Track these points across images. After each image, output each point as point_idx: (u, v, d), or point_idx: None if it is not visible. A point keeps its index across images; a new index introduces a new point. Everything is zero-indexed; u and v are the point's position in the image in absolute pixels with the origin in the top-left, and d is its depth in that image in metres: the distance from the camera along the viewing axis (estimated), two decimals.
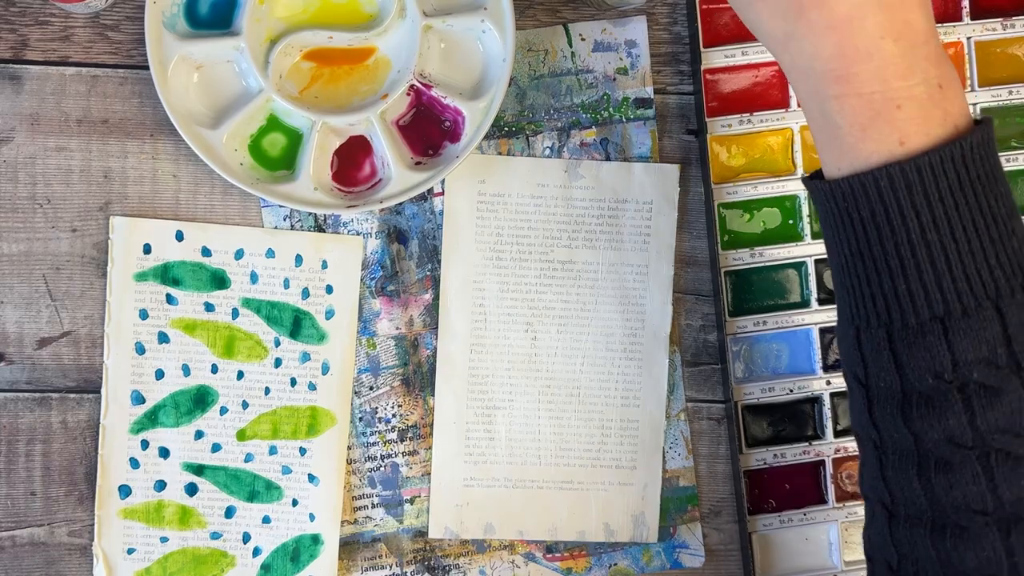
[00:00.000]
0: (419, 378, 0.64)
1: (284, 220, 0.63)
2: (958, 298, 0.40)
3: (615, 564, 0.65)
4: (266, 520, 0.63)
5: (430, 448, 0.64)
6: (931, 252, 0.40)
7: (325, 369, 0.63)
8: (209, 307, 0.62)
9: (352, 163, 0.62)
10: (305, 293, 0.63)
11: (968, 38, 0.65)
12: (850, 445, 0.64)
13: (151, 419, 0.62)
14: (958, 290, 0.40)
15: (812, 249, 0.64)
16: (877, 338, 0.42)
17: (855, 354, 0.44)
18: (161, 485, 0.62)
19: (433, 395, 0.64)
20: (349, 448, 0.63)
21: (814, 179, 0.44)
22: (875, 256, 0.42)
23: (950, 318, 0.40)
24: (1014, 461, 0.41)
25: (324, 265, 0.63)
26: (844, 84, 0.41)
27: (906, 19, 0.40)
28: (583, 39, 0.64)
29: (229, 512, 0.62)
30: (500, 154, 0.64)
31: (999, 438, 0.41)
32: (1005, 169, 0.65)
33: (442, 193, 0.64)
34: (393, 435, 0.64)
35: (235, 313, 0.62)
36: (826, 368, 0.65)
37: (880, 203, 0.41)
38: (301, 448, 0.63)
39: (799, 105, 0.44)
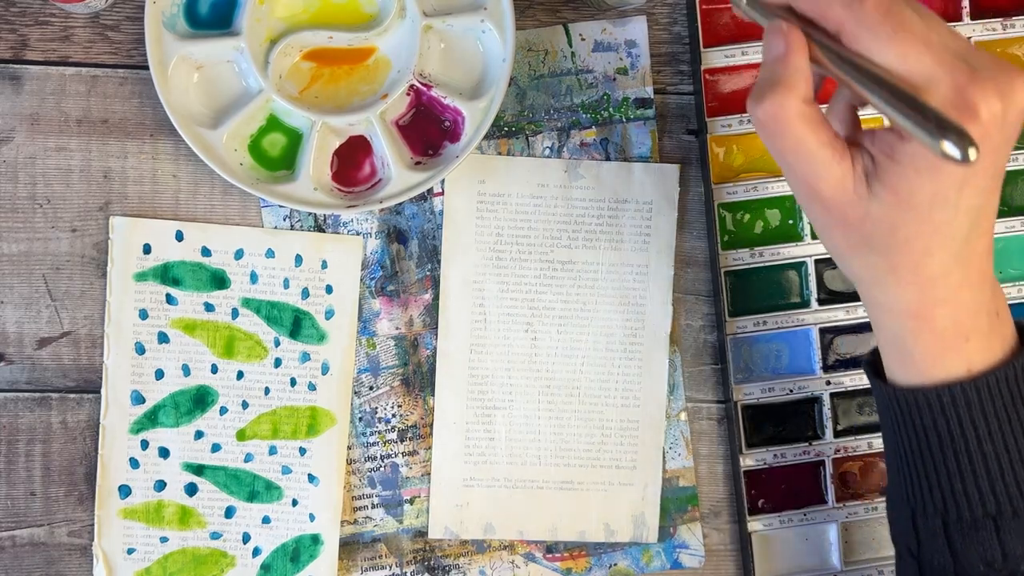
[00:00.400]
0: (419, 378, 0.64)
1: (284, 220, 0.63)
2: (1009, 501, 0.45)
3: (615, 564, 0.65)
4: (266, 520, 0.63)
5: (430, 448, 0.64)
6: (986, 461, 0.45)
7: (325, 369, 0.63)
8: (209, 307, 0.62)
9: (352, 163, 0.62)
10: (305, 293, 0.63)
11: (968, 38, 0.65)
12: (850, 445, 0.64)
13: (151, 419, 0.62)
14: (1009, 494, 0.45)
15: (812, 249, 0.64)
16: (933, 524, 0.47)
17: (910, 531, 0.48)
18: (161, 485, 0.62)
19: (433, 395, 0.64)
20: (349, 448, 0.63)
21: (875, 371, 0.49)
22: (935, 457, 0.46)
23: (1001, 517, 0.45)
24: None
25: (324, 265, 0.63)
26: (920, 321, 0.45)
27: (980, 269, 0.45)
28: (583, 39, 0.64)
29: (229, 512, 0.62)
30: (500, 154, 0.64)
31: None
32: (1006, 170, 0.65)
33: (442, 193, 0.64)
34: (393, 435, 0.64)
35: (235, 313, 0.62)
36: (826, 368, 0.65)
37: (942, 416, 0.46)
38: (301, 448, 0.63)
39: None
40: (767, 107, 0.43)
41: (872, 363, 0.50)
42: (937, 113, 0.41)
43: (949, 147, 0.40)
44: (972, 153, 0.40)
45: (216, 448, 0.62)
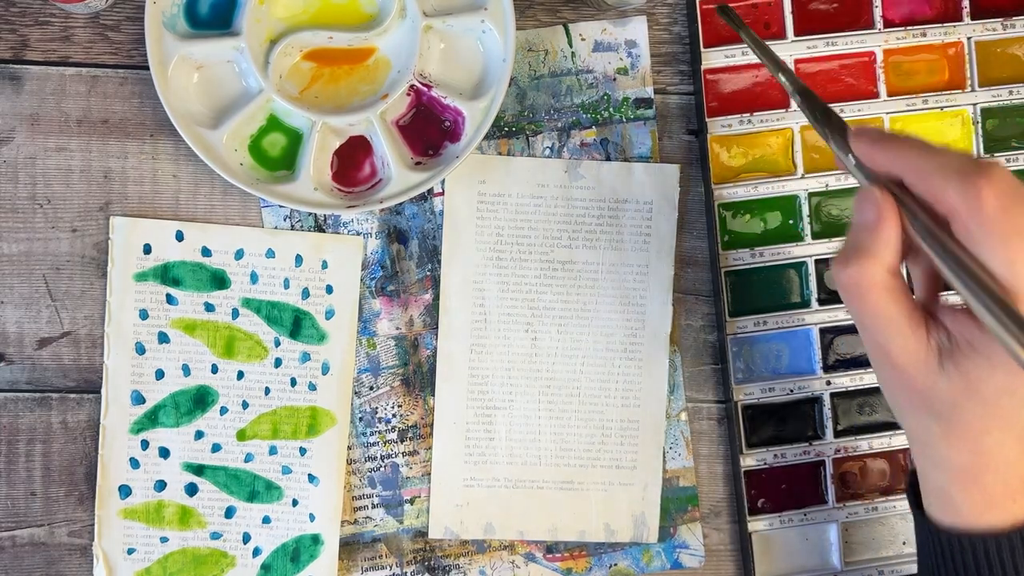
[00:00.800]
0: (419, 378, 0.64)
1: (284, 220, 0.63)
2: None
3: (615, 564, 0.65)
4: (266, 520, 0.63)
5: (430, 448, 0.64)
6: None
7: (325, 369, 0.63)
8: (209, 307, 0.62)
9: (352, 163, 0.62)
10: (305, 293, 0.63)
11: (968, 38, 0.65)
12: (850, 445, 0.64)
13: (151, 419, 0.62)
14: None
15: (812, 249, 0.64)
16: None
17: None
18: (161, 485, 0.62)
19: (433, 395, 0.64)
20: (349, 448, 0.63)
21: (918, 508, 0.49)
22: None
23: None
24: None
25: (324, 265, 0.63)
26: (970, 482, 0.45)
27: None
28: (583, 39, 0.64)
29: (229, 512, 0.62)
30: (500, 154, 0.64)
31: None
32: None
33: (442, 193, 0.64)
34: (393, 435, 0.64)
35: (235, 313, 0.62)
36: (826, 368, 0.65)
37: (985, 561, 0.46)
38: (301, 448, 0.63)
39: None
40: (851, 273, 0.43)
41: (913, 487, 0.50)
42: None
43: None
44: None
45: (216, 448, 0.62)
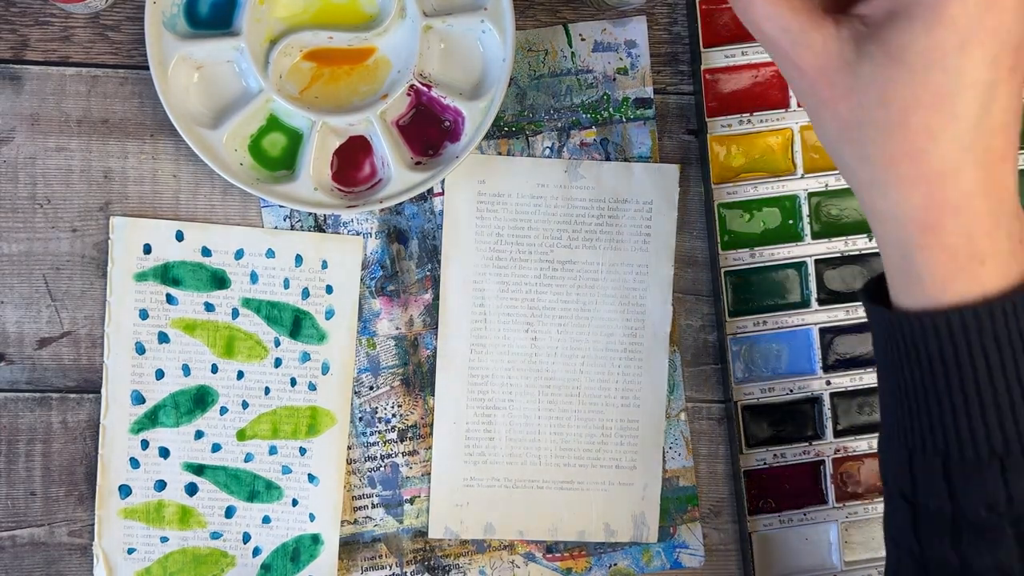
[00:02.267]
0: (419, 378, 0.64)
1: (284, 220, 0.63)
2: (1018, 439, 0.41)
3: (615, 564, 0.65)
4: (266, 520, 0.63)
5: (430, 448, 0.64)
6: (996, 394, 0.41)
7: (325, 369, 0.63)
8: (209, 307, 0.62)
9: (352, 163, 0.62)
10: (305, 293, 0.63)
11: None
12: (850, 445, 0.64)
13: (151, 419, 0.62)
14: (1019, 431, 0.41)
15: (812, 249, 0.64)
16: (932, 464, 0.43)
17: (905, 474, 0.44)
18: (161, 485, 0.62)
19: (433, 395, 0.64)
20: (349, 448, 0.63)
21: (873, 299, 0.44)
22: (939, 390, 0.42)
23: (1009, 457, 0.41)
24: None
25: (324, 265, 0.63)
26: (929, 235, 0.40)
27: (997, 177, 0.40)
28: (583, 39, 0.64)
29: (229, 512, 0.62)
30: (500, 154, 0.64)
31: None
32: None
33: (442, 193, 0.64)
34: (393, 435, 0.64)
35: (235, 313, 0.62)
36: (826, 368, 0.65)
37: (950, 343, 0.41)
38: (301, 448, 0.63)
39: (872, 234, 0.44)
40: None
41: (869, 291, 0.45)
42: None
43: None
44: None
45: (216, 448, 0.62)
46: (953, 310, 0.40)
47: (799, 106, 0.64)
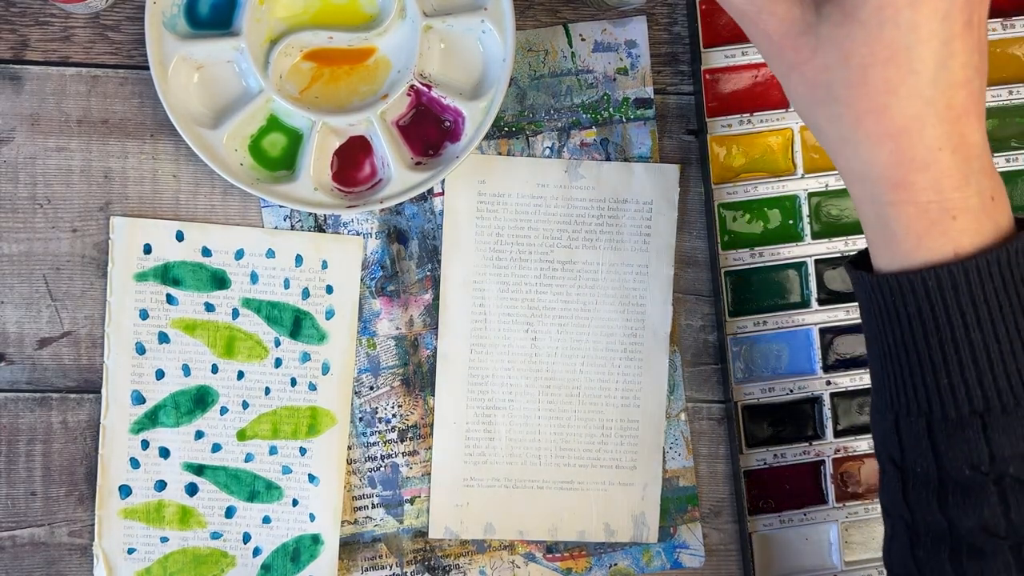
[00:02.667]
0: (419, 378, 0.64)
1: (284, 220, 0.63)
2: (998, 396, 0.41)
3: (615, 564, 0.65)
4: (266, 520, 0.63)
5: (430, 448, 0.64)
6: (974, 351, 0.41)
7: (325, 369, 0.63)
8: (209, 307, 0.62)
9: (352, 163, 0.62)
10: (305, 293, 0.63)
11: None
12: (850, 445, 0.64)
13: (151, 419, 0.62)
14: (998, 388, 0.41)
15: (812, 249, 0.64)
16: (916, 426, 0.43)
17: (893, 438, 0.44)
18: (161, 485, 0.62)
19: (433, 395, 0.64)
20: (349, 448, 0.63)
21: (858, 269, 0.45)
22: (919, 350, 0.42)
23: (989, 414, 0.41)
24: None
25: (324, 265, 0.63)
26: (900, 191, 0.41)
27: (962, 132, 0.41)
28: (583, 39, 0.64)
29: (229, 512, 0.62)
30: (500, 154, 0.64)
31: None
32: (1005, 169, 0.66)
33: (442, 193, 0.64)
34: (393, 435, 0.64)
35: (235, 313, 0.62)
36: (826, 368, 0.65)
37: (927, 301, 0.42)
38: (301, 448, 0.63)
39: (854, 204, 0.45)
40: None
41: (855, 262, 0.46)
42: None
43: None
44: None
45: (216, 448, 0.62)
46: (927, 269, 0.41)
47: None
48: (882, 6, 0.40)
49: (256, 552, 0.63)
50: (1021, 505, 0.42)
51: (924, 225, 0.41)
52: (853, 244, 0.64)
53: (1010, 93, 0.65)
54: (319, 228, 0.63)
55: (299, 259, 0.63)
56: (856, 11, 0.40)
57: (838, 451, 0.64)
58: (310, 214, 0.63)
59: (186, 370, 0.62)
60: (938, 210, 0.41)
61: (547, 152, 0.64)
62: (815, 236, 0.64)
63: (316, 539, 0.63)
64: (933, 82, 0.40)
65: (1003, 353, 0.41)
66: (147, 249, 0.62)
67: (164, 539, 0.62)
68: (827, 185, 0.64)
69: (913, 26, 0.40)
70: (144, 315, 0.62)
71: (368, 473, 0.63)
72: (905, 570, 0.45)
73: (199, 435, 0.62)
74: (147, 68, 0.59)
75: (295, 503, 0.63)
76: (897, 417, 0.44)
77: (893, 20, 0.40)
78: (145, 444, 0.62)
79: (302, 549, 0.63)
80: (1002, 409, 0.41)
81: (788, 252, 0.64)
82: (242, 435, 0.62)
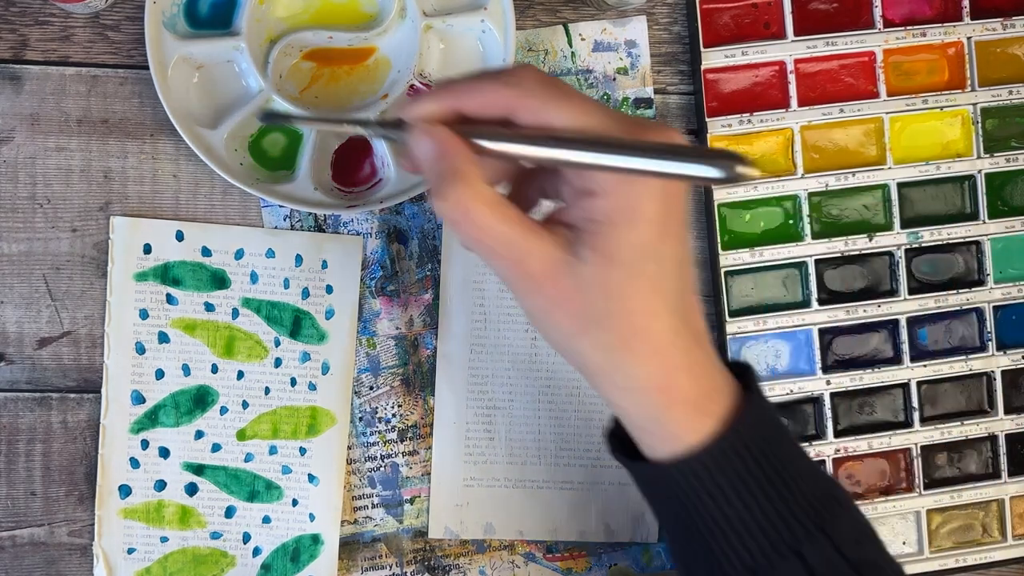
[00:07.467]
0: (419, 378, 0.64)
1: (284, 220, 0.63)
2: (763, 554, 0.45)
3: (615, 564, 0.65)
4: (266, 520, 0.63)
5: (430, 448, 0.64)
6: (730, 522, 0.45)
7: (325, 369, 0.63)
8: (209, 307, 0.62)
9: (352, 163, 0.62)
10: (305, 293, 0.63)
11: (968, 38, 0.65)
12: (850, 445, 0.64)
13: (151, 419, 0.62)
14: (760, 547, 0.45)
15: (812, 249, 0.64)
16: None
17: None
18: (161, 485, 0.62)
19: (433, 395, 0.64)
20: (349, 448, 0.63)
21: (625, 454, 0.49)
22: (696, 523, 0.46)
23: (760, 571, 0.45)
24: None
25: (324, 265, 0.63)
26: (668, 393, 0.45)
27: (697, 328, 0.46)
28: (583, 39, 0.64)
29: (229, 512, 0.62)
30: None
31: None
32: (1005, 169, 0.66)
33: None
34: (393, 435, 0.64)
35: (235, 313, 0.62)
36: (826, 368, 0.65)
37: (687, 486, 0.46)
38: (301, 448, 0.63)
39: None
40: (453, 199, 0.42)
41: (616, 438, 0.50)
42: (697, 148, 0.42)
43: (741, 168, 0.41)
44: (753, 170, 0.41)
45: (216, 448, 0.62)
46: (681, 461, 0.46)
47: (800, 105, 0.64)
48: (639, 246, 0.43)
49: (256, 552, 0.63)
50: None
51: (691, 413, 0.45)
52: (853, 244, 0.64)
53: (1010, 93, 0.65)
54: (319, 228, 0.63)
55: (299, 259, 0.63)
56: (616, 253, 0.43)
57: (839, 451, 0.64)
58: (310, 214, 0.63)
59: (186, 370, 0.62)
60: (699, 398, 0.46)
61: None
62: (815, 236, 0.64)
63: (316, 539, 0.63)
64: (680, 297, 0.45)
65: (756, 518, 0.45)
66: (147, 249, 0.62)
67: (164, 539, 0.62)
68: (827, 185, 0.64)
69: (663, 256, 0.44)
70: (144, 315, 0.62)
71: (368, 473, 0.63)
72: None
73: (199, 435, 0.62)
74: (147, 68, 0.59)
75: (295, 503, 0.63)
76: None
77: (652, 256, 0.44)
78: (145, 444, 0.62)
79: (302, 549, 0.63)
80: (769, 566, 0.45)
81: (788, 252, 0.64)
82: (242, 435, 0.62)
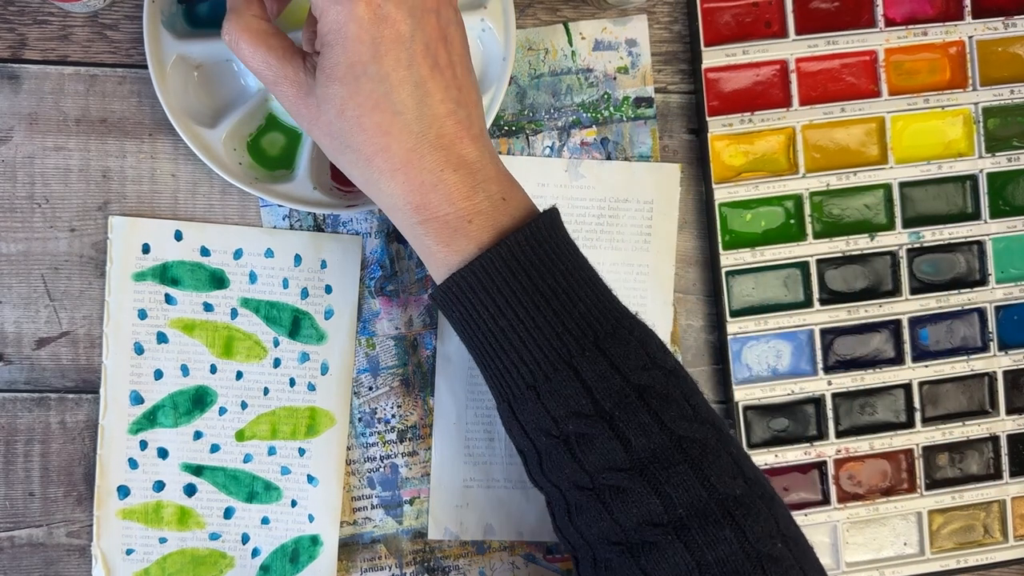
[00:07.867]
0: (419, 378, 0.64)
1: (283, 220, 0.63)
2: (539, 367, 0.47)
3: None
4: (265, 521, 0.62)
5: (429, 449, 0.64)
6: (506, 335, 0.47)
7: (324, 369, 0.63)
8: (208, 307, 0.62)
9: None
10: (304, 293, 0.63)
11: (970, 37, 0.65)
12: (851, 445, 0.64)
13: (150, 419, 0.62)
14: (536, 360, 0.47)
15: (813, 249, 0.64)
16: (505, 410, 0.50)
17: (512, 423, 0.50)
18: (160, 485, 0.62)
19: (433, 395, 0.64)
20: (348, 449, 0.63)
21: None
22: (481, 342, 0.48)
23: (538, 385, 0.47)
24: (621, 493, 0.46)
25: (323, 265, 0.63)
26: (422, 211, 0.48)
27: (460, 154, 0.48)
28: (583, 38, 0.64)
29: (228, 513, 0.62)
30: (500, 153, 0.64)
31: (604, 476, 0.47)
32: (1007, 169, 0.65)
33: None
34: (392, 436, 0.63)
35: (234, 313, 0.62)
36: (827, 369, 0.64)
37: (459, 303, 0.48)
38: (300, 449, 0.62)
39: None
40: (224, 31, 0.49)
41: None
42: None
43: None
44: None
45: (215, 448, 0.62)
46: (450, 278, 0.48)
47: (801, 104, 0.64)
48: (352, 64, 0.46)
49: (255, 553, 0.62)
50: (588, 456, 0.47)
51: (448, 233, 0.48)
52: (855, 244, 0.64)
53: (1011, 92, 0.65)
54: (318, 228, 0.63)
55: (298, 259, 0.63)
56: (334, 73, 0.47)
57: (839, 451, 0.64)
58: (309, 213, 0.63)
59: (185, 370, 0.62)
60: (456, 219, 0.48)
61: (547, 151, 0.64)
62: (816, 236, 0.64)
63: (315, 540, 0.62)
64: (419, 119, 0.47)
65: (530, 331, 0.47)
66: (146, 249, 0.62)
67: (163, 540, 0.62)
68: (828, 184, 0.64)
69: (383, 76, 0.46)
70: (143, 315, 0.62)
71: (367, 474, 0.63)
72: (567, 534, 0.50)
73: (198, 435, 0.62)
74: (145, 67, 0.59)
75: (294, 504, 0.62)
76: (506, 403, 0.49)
77: (365, 74, 0.46)
78: (143, 444, 0.62)
79: (301, 550, 0.62)
80: (545, 377, 0.47)
81: (789, 252, 0.64)
82: (241, 435, 0.62)
